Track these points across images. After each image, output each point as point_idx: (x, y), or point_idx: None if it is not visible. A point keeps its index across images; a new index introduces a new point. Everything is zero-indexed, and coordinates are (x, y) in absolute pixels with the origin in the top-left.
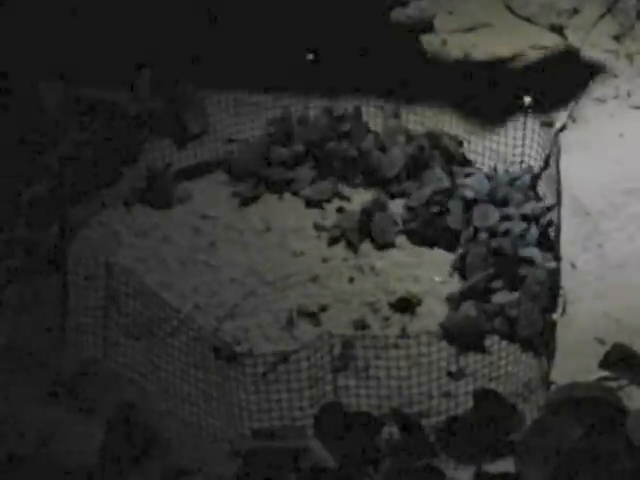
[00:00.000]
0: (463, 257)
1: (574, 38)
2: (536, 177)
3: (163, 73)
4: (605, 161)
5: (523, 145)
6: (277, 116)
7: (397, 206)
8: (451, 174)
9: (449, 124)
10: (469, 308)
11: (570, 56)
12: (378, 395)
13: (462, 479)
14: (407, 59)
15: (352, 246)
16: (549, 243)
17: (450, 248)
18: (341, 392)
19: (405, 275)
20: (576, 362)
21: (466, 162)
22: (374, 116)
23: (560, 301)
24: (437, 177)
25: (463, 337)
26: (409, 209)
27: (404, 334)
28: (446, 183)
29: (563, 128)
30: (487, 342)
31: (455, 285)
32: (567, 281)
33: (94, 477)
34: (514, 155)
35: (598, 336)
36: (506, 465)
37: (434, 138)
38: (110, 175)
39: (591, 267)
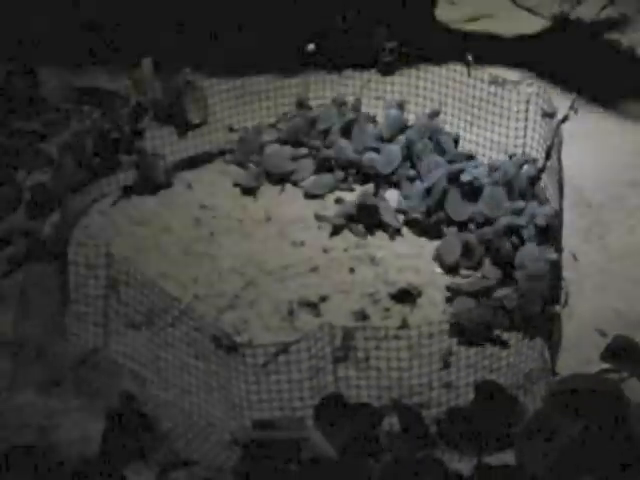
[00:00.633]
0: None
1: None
2: (540, 170)
3: (164, 62)
4: (607, 153)
5: (525, 136)
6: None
7: (392, 194)
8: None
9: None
10: (467, 302)
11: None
12: (378, 386)
13: (463, 470)
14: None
15: (359, 235)
16: (549, 236)
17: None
18: (341, 383)
19: (405, 266)
20: (577, 354)
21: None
22: (374, 107)
23: (562, 293)
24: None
25: (475, 331)
26: (407, 199)
27: (405, 325)
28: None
29: (565, 119)
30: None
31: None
32: (568, 273)
33: (94, 467)
34: (515, 146)
35: (599, 328)
36: (507, 457)
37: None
38: (110, 164)
39: (593, 259)
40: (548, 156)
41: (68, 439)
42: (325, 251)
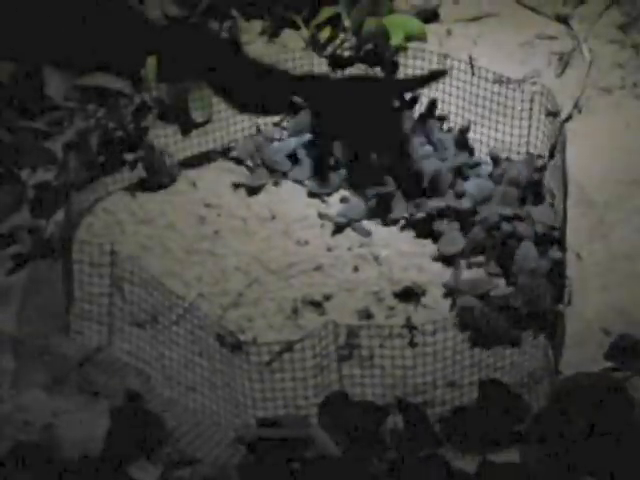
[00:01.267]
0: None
1: (579, 28)
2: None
3: (168, 61)
4: (611, 152)
5: (528, 135)
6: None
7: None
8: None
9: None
10: (471, 300)
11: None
12: (383, 384)
13: (467, 469)
14: None
15: (362, 234)
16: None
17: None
18: (346, 381)
19: (410, 265)
20: (581, 353)
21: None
22: None
23: (565, 292)
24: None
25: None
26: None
27: (410, 324)
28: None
29: (569, 118)
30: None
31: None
32: (572, 272)
33: (99, 465)
34: (519, 145)
35: (603, 327)
36: (511, 455)
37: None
38: (115, 162)
39: (597, 258)
40: (552, 155)
41: (72, 437)
42: (329, 250)
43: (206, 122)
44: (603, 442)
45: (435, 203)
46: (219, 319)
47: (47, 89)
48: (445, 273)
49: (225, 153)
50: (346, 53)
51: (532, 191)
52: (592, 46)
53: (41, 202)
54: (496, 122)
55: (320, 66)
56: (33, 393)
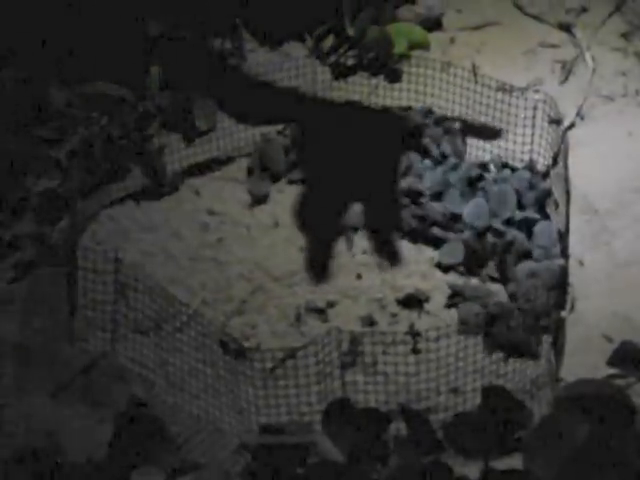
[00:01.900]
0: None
1: (582, 36)
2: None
3: (172, 69)
4: (613, 159)
5: (531, 143)
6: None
7: None
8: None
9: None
10: (473, 307)
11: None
12: (386, 391)
13: (469, 475)
14: None
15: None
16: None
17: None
18: (349, 388)
19: (412, 271)
20: (584, 359)
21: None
22: None
23: (568, 299)
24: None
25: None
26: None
27: (412, 330)
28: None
29: (571, 126)
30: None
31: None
32: (575, 279)
33: (102, 471)
34: (522, 152)
35: (606, 334)
36: (514, 462)
37: None
38: (118, 170)
39: (599, 265)
40: (555, 163)
41: (76, 444)
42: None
43: (210, 130)
44: (605, 449)
45: (434, 210)
46: (223, 326)
47: (51, 97)
48: (448, 280)
49: (229, 161)
50: (349, 62)
51: (535, 199)
52: (595, 54)
53: (45, 210)
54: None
55: (323, 74)
56: (37, 400)
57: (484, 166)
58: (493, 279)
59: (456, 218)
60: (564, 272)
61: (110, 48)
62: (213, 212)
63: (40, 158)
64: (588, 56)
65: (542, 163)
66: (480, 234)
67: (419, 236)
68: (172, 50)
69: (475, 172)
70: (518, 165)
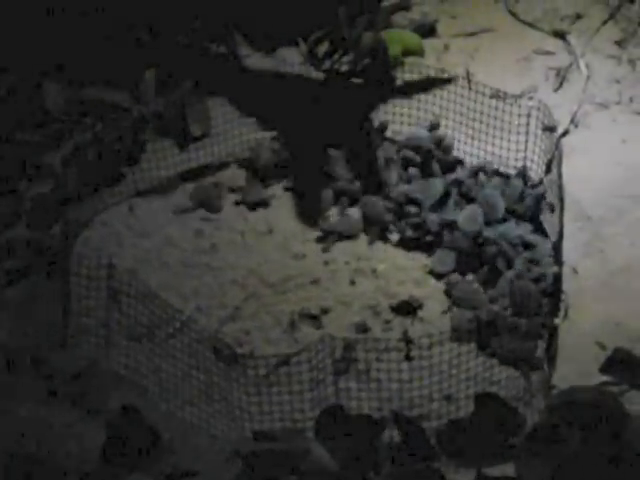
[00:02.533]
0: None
1: (576, 43)
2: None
3: (167, 74)
4: (607, 166)
5: (525, 150)
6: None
7: None
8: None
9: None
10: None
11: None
12: (379, 398)
13: None
14: None
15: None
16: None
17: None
18: (342, 395)
19: (406, 278)
20: (577, 366)
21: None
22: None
23: (561, 306)
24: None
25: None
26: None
27: (406, 337)
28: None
29: (565, 133)
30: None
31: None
32: (568, 286)
33: (94, 478)
34: (516, 160)
35: (599, 341)
36: (506, 469)
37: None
38: (112, 176)
39: (593, 272)
40: (549, 169)
41: (68, 450)
42: (326, 263)
43: (204, 136)
44: (598, 456)
45: (430, 219)
46: (216, 332)
47: (45, 102)
48: (441, 287)
49: (222, 167)
50: (344, 68)
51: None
52: (589, 61)
53: (39, 215)
54: (493, 137)
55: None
56: (29, 406)
57: (477, 173)
58: (485, 285)
59: (450, 226)
60: (558, 279)
61: (105, 54)
62: (207, 218)
63: (33, 163)
64: (582, 63)
65: (536, 170)
66: (471, 239)
67: (413, 244)
68: (167, 55)
69: (469, 181)
70: (511, 172)
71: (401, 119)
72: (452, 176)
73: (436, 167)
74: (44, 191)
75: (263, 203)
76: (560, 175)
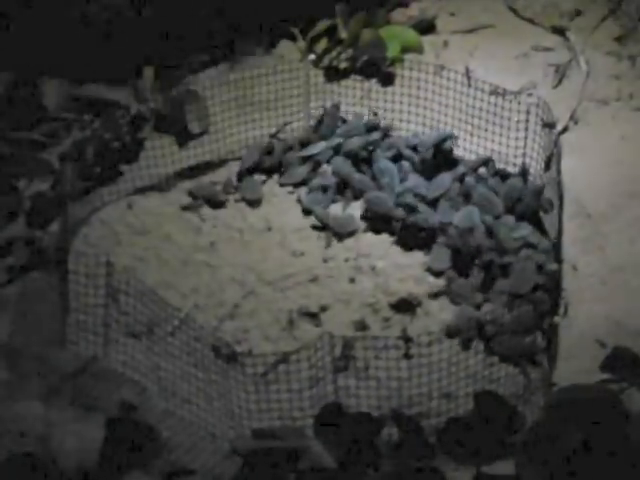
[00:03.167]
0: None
1: (576, 40)
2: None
3: (165, 72)
4: (607, 163)
5: (524, 146)
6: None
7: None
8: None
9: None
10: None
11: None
12: (378, 396)
13: None
14: None
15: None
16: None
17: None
18: (341, 392)
19: (405, 276)
20: (577, 364)
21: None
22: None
23: (561, 303)
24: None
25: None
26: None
27: (405, 335)
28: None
29: (565, 130)
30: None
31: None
32: (568, 283)
33: (94, 476)
34: (515, 156)
35: (599, 338)
36: (506, 467)
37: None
38: (111, 174)
39: (592, 269)
40: (548, 166)
41: (67, 448)
42: (325, 261)
43: (203, 133)
44: (598, 454)
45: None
46: (215, 330)
47: (44, 100)
48: (440, 285)
49: (221, 164)
50: (342, 64)
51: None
52: (589, 58)
53: (37, 213)
54: (492, 133)
55: (316, 77)
56: (28, 404)
57: (477, 170)
58: (484, 282)
59: (448, 225)
60: (557, 277)
61: (103, 51)
62: (206, 216)
63: (32, 161)
64: (582, 60)
65: (535, 167)
66: (466, 237)
67: (412, 241)
68: (165, 52)
69: (469, 178)
70: (511, 169)
71: (400, 116)
72: (453, 173)
73: (437, 165)
74: (43, 189)
75: (262, 201)
76: (559, 172)
